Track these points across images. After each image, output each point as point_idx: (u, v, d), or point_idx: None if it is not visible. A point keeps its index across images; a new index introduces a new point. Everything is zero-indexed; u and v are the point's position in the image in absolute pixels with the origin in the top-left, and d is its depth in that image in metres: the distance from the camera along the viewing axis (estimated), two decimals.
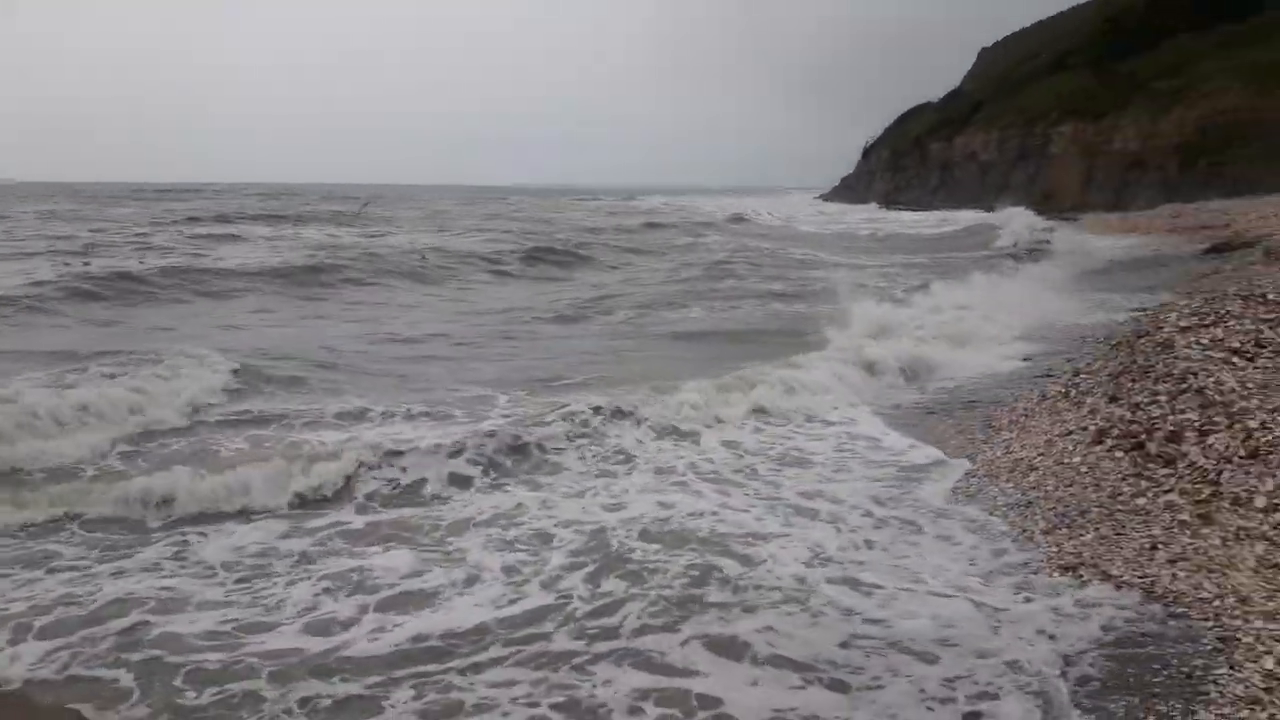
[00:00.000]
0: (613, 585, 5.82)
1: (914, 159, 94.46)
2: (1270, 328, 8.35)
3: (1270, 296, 8.83)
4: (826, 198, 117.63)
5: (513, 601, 5.66)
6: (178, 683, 4.76)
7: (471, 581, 5.96)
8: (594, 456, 8.62)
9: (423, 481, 7.83)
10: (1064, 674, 4.61)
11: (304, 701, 4.58)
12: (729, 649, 4.97)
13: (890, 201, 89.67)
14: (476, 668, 4.86)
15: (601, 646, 5.05)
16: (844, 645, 4.99)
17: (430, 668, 4.88)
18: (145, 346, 12.38)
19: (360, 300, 20.70)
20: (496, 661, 4.92)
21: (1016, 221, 43.32)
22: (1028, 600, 5.46)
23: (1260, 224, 29.13)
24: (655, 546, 6.39)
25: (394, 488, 7.70)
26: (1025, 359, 12.63)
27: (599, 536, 6.63)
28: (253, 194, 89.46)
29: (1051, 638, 4.98)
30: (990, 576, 5.87)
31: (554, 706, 4.49)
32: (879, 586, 5.76)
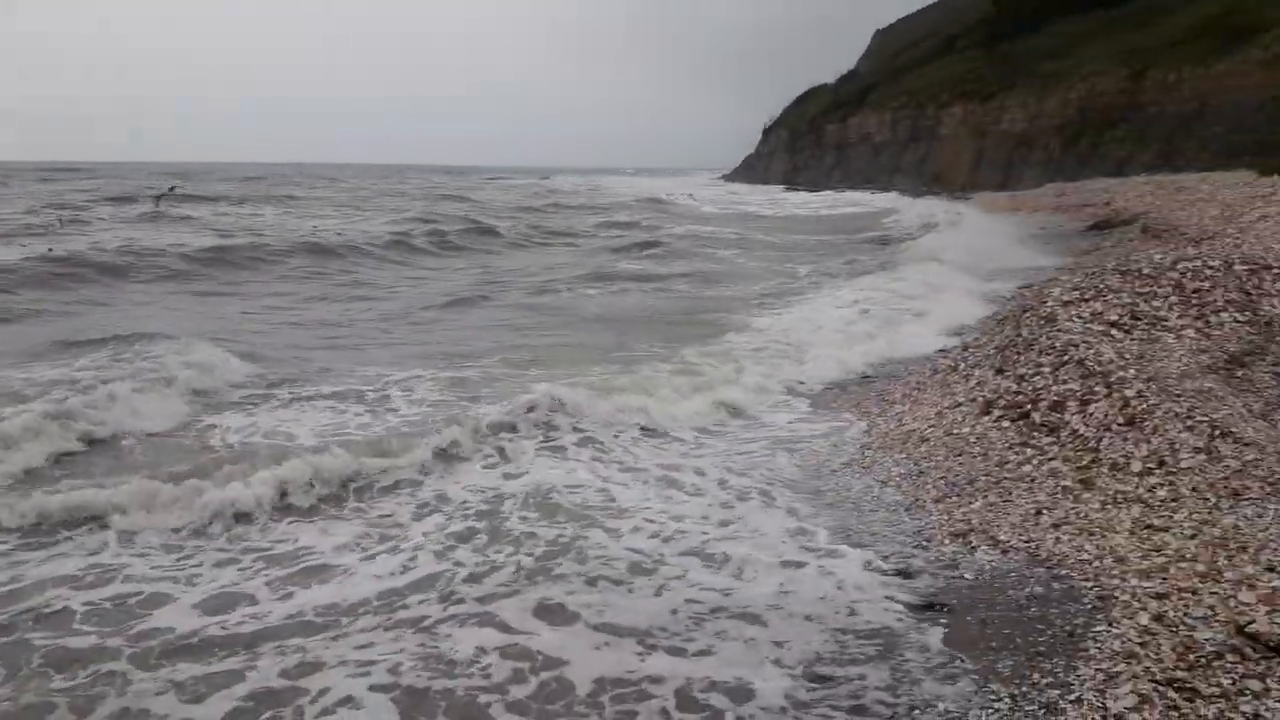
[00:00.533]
0: (483, 556, 5.99)
1: (810, 140, 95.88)
2: (1146, 301, 8.74)
3: (1146, 271, 9.23)
4: (728, 178, 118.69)
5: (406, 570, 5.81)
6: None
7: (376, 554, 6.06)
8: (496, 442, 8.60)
9: None
10: (923, 635, 4.77)
11: (172, 678, 4.58)
12: (563, 616, 5.16)
13: (788, 182, 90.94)
14: (346, 635, 4.98)
15: (456, 609, 5.26)
16: (675, 612, 5.18)
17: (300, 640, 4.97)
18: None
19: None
20: (366, 628, 5.05)
21: (921, 206, 44.48)
22: (881, 569, 5.69)
23: (1137, 202, 30.40)
24: (537, 516, 6.56)
25: None
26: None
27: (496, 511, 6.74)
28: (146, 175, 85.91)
29: (903, 601, 5.19)
30: (843, 542, 6.12)
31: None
32: (729, 557, 5.92)
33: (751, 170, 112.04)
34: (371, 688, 4.46)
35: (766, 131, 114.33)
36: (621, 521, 6.52)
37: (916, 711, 4.11)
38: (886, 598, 5.27)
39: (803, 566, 5.78)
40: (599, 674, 4.58)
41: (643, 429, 8.62)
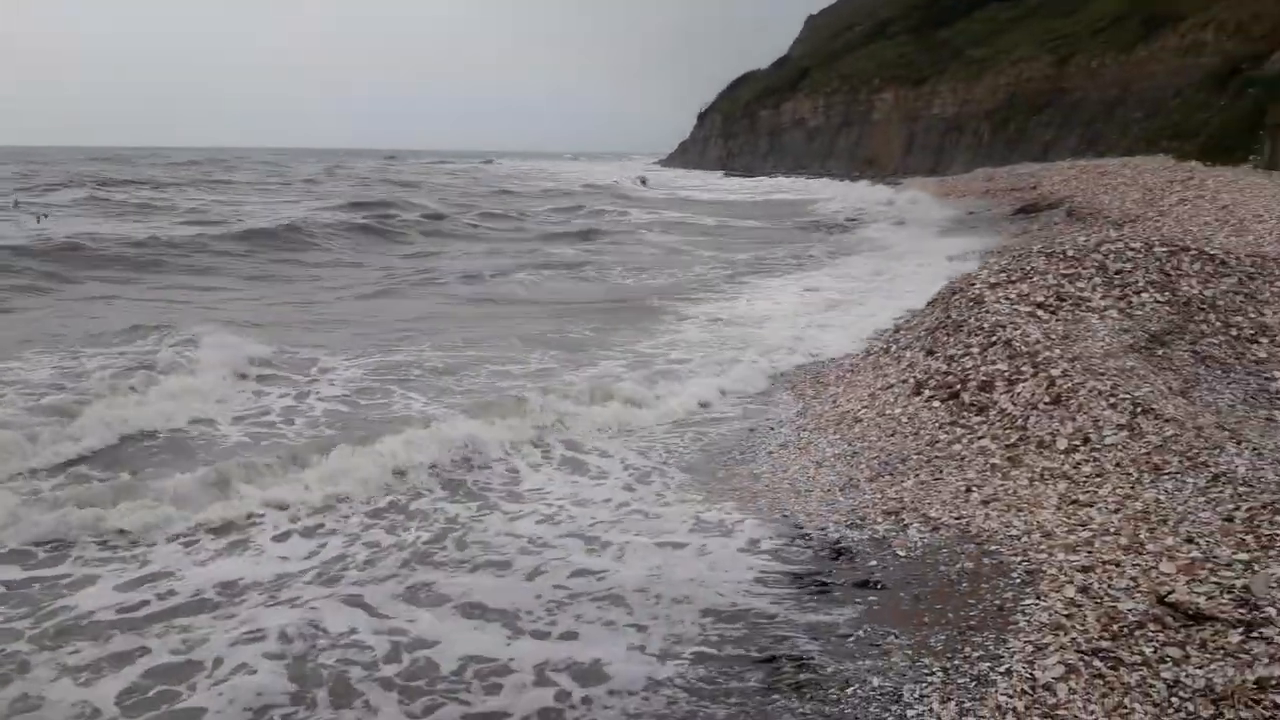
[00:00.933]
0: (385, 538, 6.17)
1: (745, 126, 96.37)
2: (1070, 282, 8.94)
3: (1070, 253, 9.44)
4: (664, 163, 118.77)
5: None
6: None
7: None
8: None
9: None
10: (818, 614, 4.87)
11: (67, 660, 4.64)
12: (439, 600, 5.29)
13: (723, 167, 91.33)
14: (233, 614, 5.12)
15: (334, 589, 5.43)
16: (539, 596, 5.30)
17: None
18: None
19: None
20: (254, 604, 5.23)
21: (857, 192, 45.06)
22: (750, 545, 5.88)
23: (1063, 186, 31.08)
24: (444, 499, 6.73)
25: None
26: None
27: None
28: None
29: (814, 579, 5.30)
30: (741, 524, 6.29)
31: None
32: (611, 542, 6.04)
33: (687, 155, 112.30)
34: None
35: (701, 117, 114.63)
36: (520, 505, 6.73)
37: (852, 688, 4.17)
38: (782, 575, 5.37)
39: (681, 548, 5.93)
40: (465, 653, 4.68)
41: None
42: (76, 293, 16.19)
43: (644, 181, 64.50)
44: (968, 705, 3.88)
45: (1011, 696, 3.88)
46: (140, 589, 5.40)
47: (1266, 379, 7.70)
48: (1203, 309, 8.54)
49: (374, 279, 19.20)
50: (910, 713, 3.91)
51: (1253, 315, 8.50)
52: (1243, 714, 3.64)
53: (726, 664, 4.51)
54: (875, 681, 4.18)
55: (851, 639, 4.60)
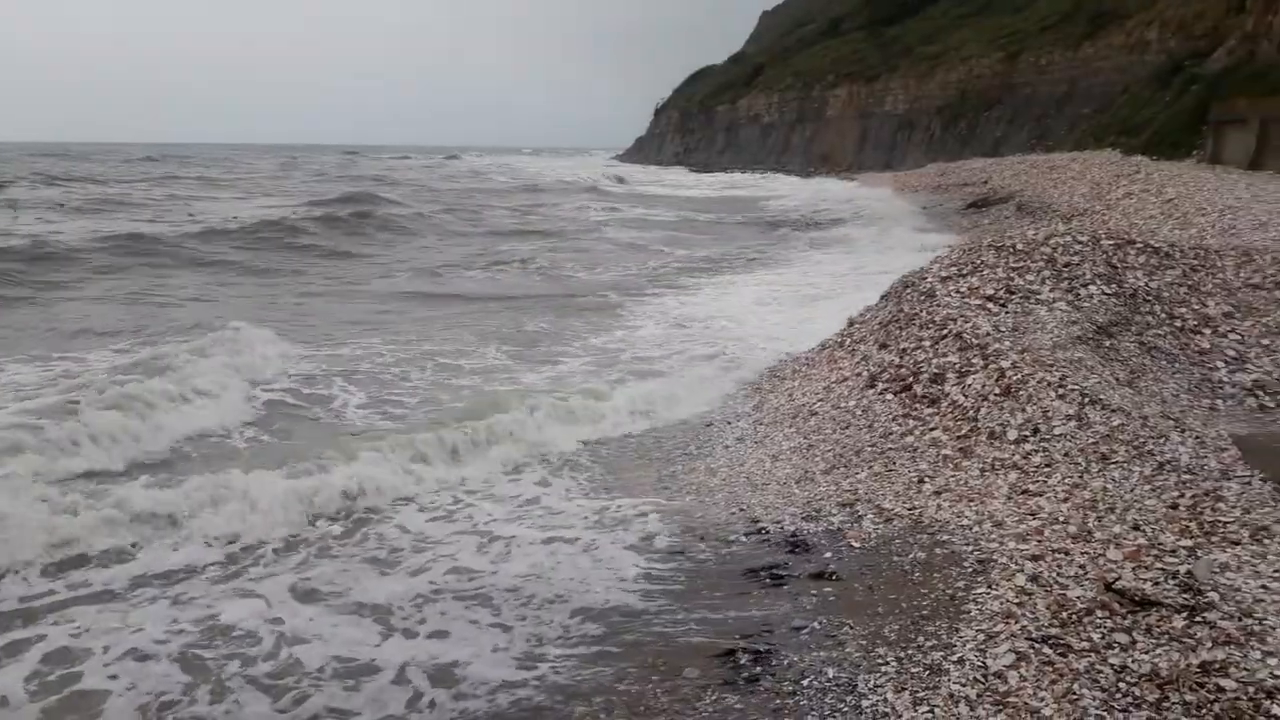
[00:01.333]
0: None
1: (701, 121, 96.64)
2: (1020, 276, 9.06)
3: (1019, 247, 9.56)
4: (621, 159, 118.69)
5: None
6: None
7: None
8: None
9: None
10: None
11: None
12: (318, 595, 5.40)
13: (680, 163, 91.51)
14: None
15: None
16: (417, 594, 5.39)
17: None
18: None
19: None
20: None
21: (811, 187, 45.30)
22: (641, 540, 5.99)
23: (1013, 181, 31.54)
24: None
25: None
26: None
27: None
28: None
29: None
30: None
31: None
32: (500, 537, 6.18)
33: (644, 151, 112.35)
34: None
35: (658, 112, 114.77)
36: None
37: (808, 679, 4.20)
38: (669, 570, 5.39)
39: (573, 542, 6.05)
40: (334, 652, 4.75)
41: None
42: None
43: (621, 180, 64.12)
44: (921, 694, 3.92)
45: (964, 685, 3.92)
46: None
47: (1209, 369, 7.87)
48: (1148, 301, 8.70)
49: (338, 276, 19.00)
50: (865, 703, 3.95)
51: (1196, 307, 8.68)
52: (1187, 697, 3.72)
53: (587, 661, 4.58)
54: (830, 672, 4.21)
55: (807, 630, 4.62)
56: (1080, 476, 5.91)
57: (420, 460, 7.44)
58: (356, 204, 32.74)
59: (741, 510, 6.42)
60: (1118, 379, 7.35)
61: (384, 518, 6.59)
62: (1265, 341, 8.21)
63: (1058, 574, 4.75)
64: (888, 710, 3.86)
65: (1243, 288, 9.06)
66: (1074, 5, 51.19)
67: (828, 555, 5.51)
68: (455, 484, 7.22)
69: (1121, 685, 3.83)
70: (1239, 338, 8.25)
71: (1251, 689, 3.71)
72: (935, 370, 7.75)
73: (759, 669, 4.30)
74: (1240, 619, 4.20)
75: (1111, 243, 9.56)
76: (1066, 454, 6.20)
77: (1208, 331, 8.33)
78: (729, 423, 8.65)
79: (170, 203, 35.10)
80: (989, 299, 8.67)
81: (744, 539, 5.94)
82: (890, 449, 7.03)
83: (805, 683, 4.15)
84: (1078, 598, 4.48)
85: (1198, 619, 4.22)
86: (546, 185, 55.83)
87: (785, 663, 4.34)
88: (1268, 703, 3.63)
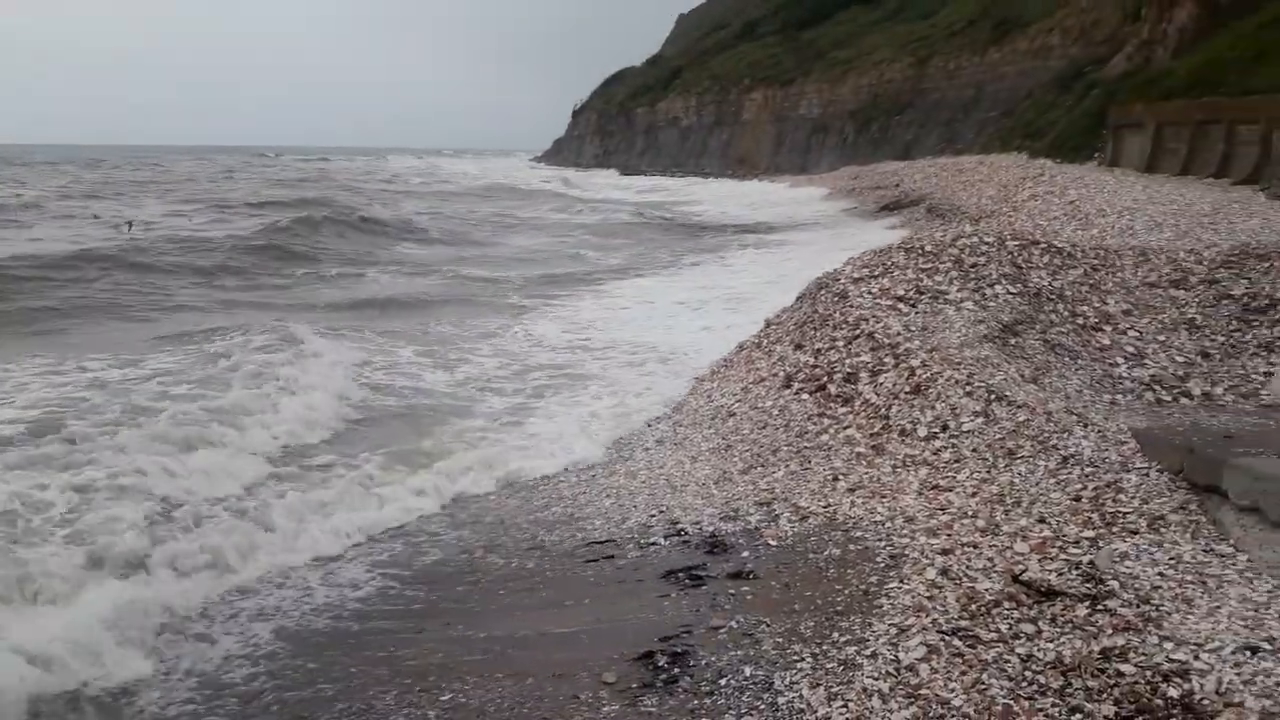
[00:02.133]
0: None
1: (621, 123, 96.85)
2: (929, 276, 9.27)
3: (928, 249, 9.78)
4: (540, 160, 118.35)
5: None
6: None
7: None
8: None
9: None
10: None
11: None
12: None
13: (600, 165, 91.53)
14: None
15: None
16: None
17: None
18: None
19: None
20: None
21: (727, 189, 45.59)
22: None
23: (924, 183, 32.31)
24: None
25: None
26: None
27: None
28: None
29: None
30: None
31: None
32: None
33: (563, 153, 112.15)
34: None
35: (576, 114, 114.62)
36: None
37: (725, 679, 4.22)
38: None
39: None
40: None
41: None
42: None
43: (567, 182, 63.43)
44: (835, 689, 3.97)
45: (877, 679, 3.99)
46: None
47: (1110, 365, 8.15)
48: (1052, 299, 8.97)
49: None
50: (781, 700, 3.99)
51: (1097, 305, 8.98)
52: (1089, 683, 3.84)
53: None
54: (748, 671, 4.24)
55: (724, 630, 4.65)
56: (988, 471, 6.07)
57: None
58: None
59: (661, 512, 6.45)
60: (1023, 376, 7.56)
61: None
62: (1162, 338, 8.53)
63: (967, 567, 4.87)
64: (803, 706, 3.91)
65: (1140, 286, 9.40)
66: (980, 12, 52.70)
67: (745, 555, 5.56)
68: None
69: (1028, 674, 3.94)
70: (1137, 334, 8.56)
71: (1149, 673, 3.85)
72: (849, 370, 7.89)
73: (677, 670, 4.32)
74: (1139, 606, 4.35)
75: (1016, 243, 9.84)
76: (975, 450, 6.36)
77: (1108, 329, 8.62)
78: (649, 425, 8.68)
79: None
80: (899, 299, 8.85)
81: (663, 541, 5.95)
82: (806, 448, 7.13)
83: (723, 682, 4.18)
84: (986, 590, 4.60)
85: (1099, 607, 4.36)
86: (504, 192, 54.47)
87: (703, 663, 4.36)
88: (1164, 685, 3.77)
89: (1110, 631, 4.16)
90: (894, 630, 4.36)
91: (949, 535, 5.29)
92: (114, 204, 35.54)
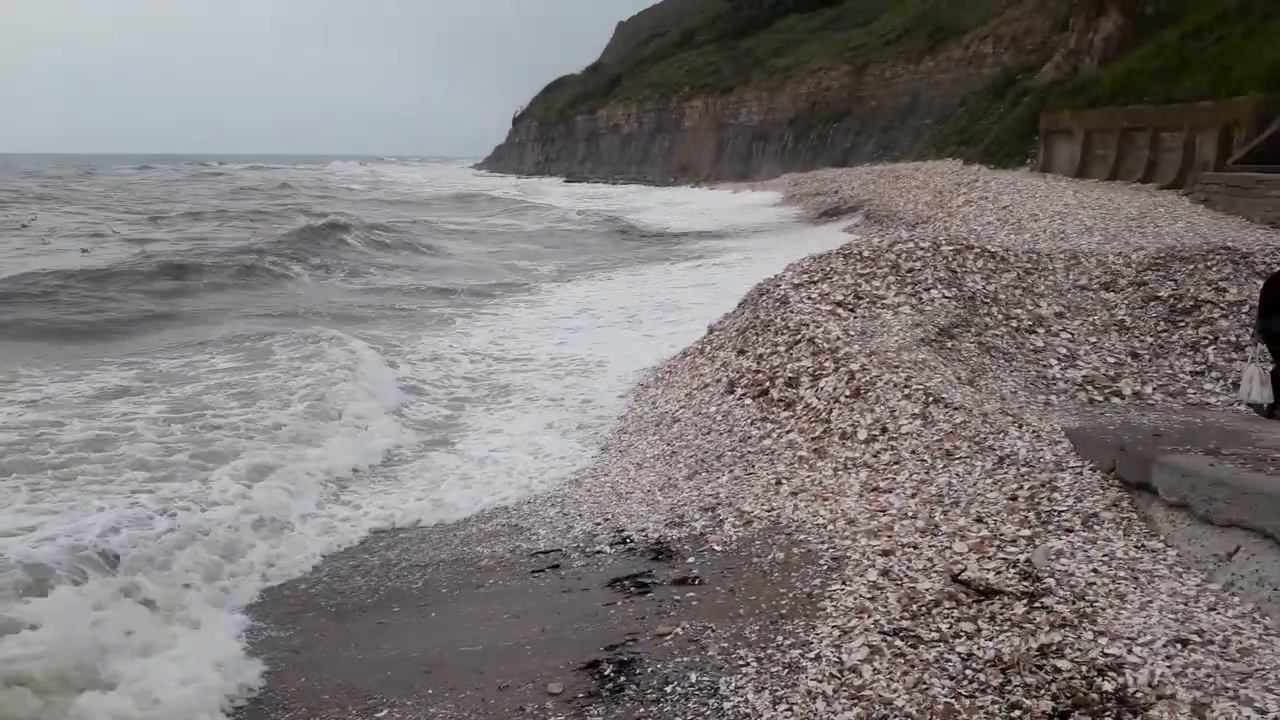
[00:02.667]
0: None
1: (562, 131, 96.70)
2: (867, 281, 9.40)
3: (866, 254, 9.93)
4: (481, 167, 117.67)
5: None
6: None
7: None
8: None
9: None
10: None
11: None
12: None
13: (541, 172, 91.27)
14: None
15: None
16: None
17: None
18: None
19: None
20: None
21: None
22: None
23: (861, 190, 32.71)
24: None
25: None
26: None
27: None
28: None
29: None
30: None
31: None
32: None
33: (504, 160, 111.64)
34: None
35: (517, 121, 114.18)
36: None
37: (671, 685, 4.22)
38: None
39: None
40: None
41: None
42: None
43: (521, 189, 62.43)
44: (780, 693, 4.00)
45: (820, 681, 4.02)
46: None
47: (1044, 366, 8.32)
48: (986, 303, 9.15)
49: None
50: (727, 705, 4.00)
51: (1030, 308, 9.17)
52: (1028, 680, 3.91)
53: None
54: (694, 677, 4.24)
55: (670, 637, 4.65)
56: (926, 473, 6.16)
57: None
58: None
59: (607, 520, 6.44)
60: (959, 378, 7.68)
61: None
62: (1093, 339, 8.73)
63: (907, 568, 4.93)
64: (749, 711, 3.92)
65: (1072, 289, 9.63)
66: (915, 21, 53.58)
67: (691, 561, 5.57)
68: None
69: (968, 672, 4.00)
70: (1070, 336, 8.75)
71: (1084, 667, 3.94)
72: (790, 374, 7.95)
73: (623, 679, 4.31)
74: (1074, 602, 4.45)
75: (952, 248, 10.02)
76: (913, 451, 6.45)
77: (1041, 331, 8.81)
78: (595, 433, 8.66)
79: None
80: (839, 304, 8.96)
81: (609, 549, 5.94)
82: (749, 452, 7.17)
83: (669, 689, 4.17)
84: (926, 590, 4.66)
85: (1036, 605, 4.45)
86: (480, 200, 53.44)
87: (649, 670, 4.35)
88: (1099, 680, 3.86)
89: (1047, 628, 4.24)
90: (837, 632, 4.40)
91: (889, 536, 5.35)
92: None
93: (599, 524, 6.39)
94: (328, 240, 25.14)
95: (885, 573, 4.90)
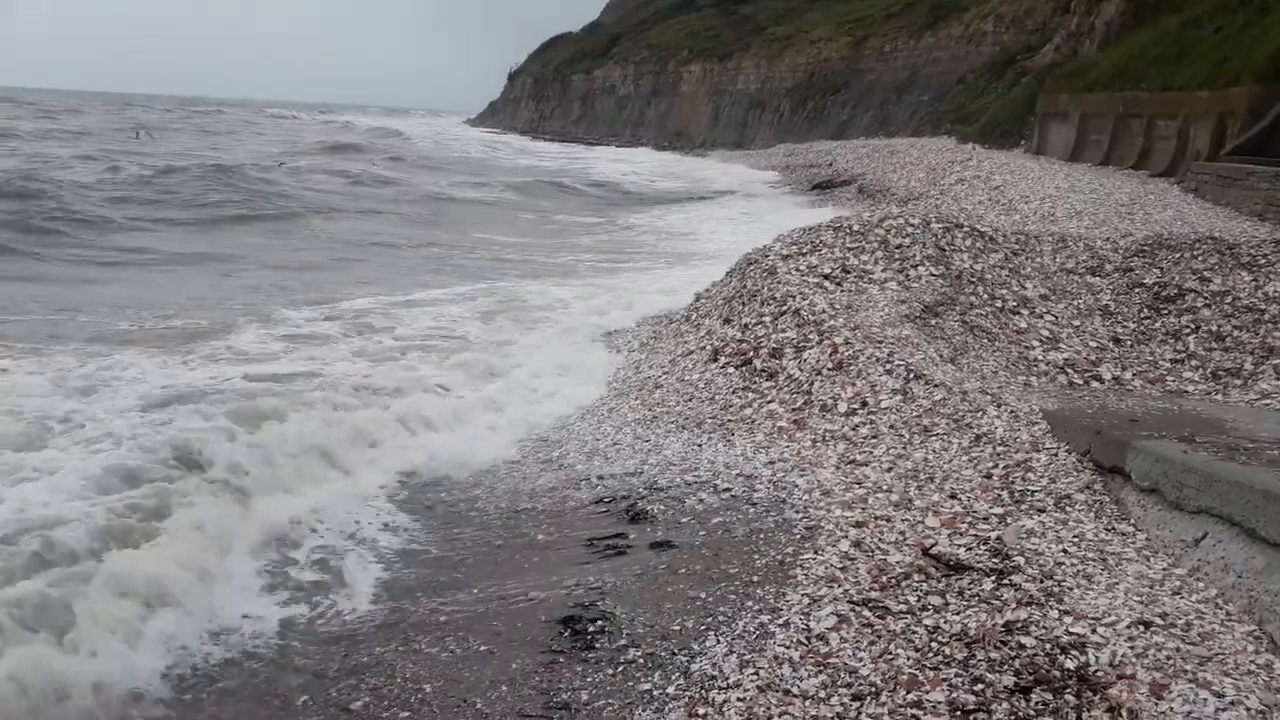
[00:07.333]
0: None
1: (556, 89, 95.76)
2: (855, 256, 9.39)
3: (856, 229, 9.91)
4: (473, 123, 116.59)
5: None
6: None
7: None
8: None
9: None
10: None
11: None
12: None
13: (534, 130, 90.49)
14: None
15: None
16: None
17: None
18: None
19: None
20: None
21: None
22: None
23: (855, 164, 32.64)
24: None
25: None
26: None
27: None
28: None
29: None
30: None
31: None
32: None
33: (497, 116, 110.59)
34: None
35: (512, 77, 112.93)
36: None
37: (640, 647, 4.27)
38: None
39: None
40: None
41: None
42: None
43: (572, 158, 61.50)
44: (748, 657, 4.05)
45: (788, 647, 4.08)
46: None
47: (1026, 348, 8.37)
48: (973, 282, 9.16)
49: None
50: (694, 666, 4.05)
51: (1015, 289, 9.19)
52: (992, 655, 3.97)
53: None
54: (663, 639, 4.30)
55: (642, 598, 4.70)
56: (904, 448, 6.21)
57: None
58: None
59: (585, 482, 6.47)
60: (941, 356, 7.72)
61: None
62: (1076, 323, 8.78)
63: (879, 540, 4.99)
64: (715, 673, 3.97)
65: (1058, 272, 9.65)
66: None
67: (667, 525, 5.61)
68: None
69: (934, 645, 4.06)
70: (1053, 319, 8.79)
71: (1048, 645, 4.00)
72: (774, 345, 7.97)
73: (593, 636, 4.36)
74: (1042, 581, 4.52)
75: (941, 226, 10.01)
76: (892, 426, 6.50)
77: (1025, 312, 8.84)
78: (576, 393, 8.67)
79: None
80: (826, 277, 8.96)
81: (587, 508, 5.98)
82: (730, 420, 7.21)
83: (638, 650, 4.22)
84: (897, 563, 4.72)
85: (1005, 582, 4.51)
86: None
87: (621, 630, 4.40)
88: (1062, 657, 3.93)
89: (1014, 605, 4.30)
90: (807, 600, 4.45)
91: (864, 509, 5.41)
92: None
93: (578, 485, 6.42)
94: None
95: (857, 544, 4.96)
